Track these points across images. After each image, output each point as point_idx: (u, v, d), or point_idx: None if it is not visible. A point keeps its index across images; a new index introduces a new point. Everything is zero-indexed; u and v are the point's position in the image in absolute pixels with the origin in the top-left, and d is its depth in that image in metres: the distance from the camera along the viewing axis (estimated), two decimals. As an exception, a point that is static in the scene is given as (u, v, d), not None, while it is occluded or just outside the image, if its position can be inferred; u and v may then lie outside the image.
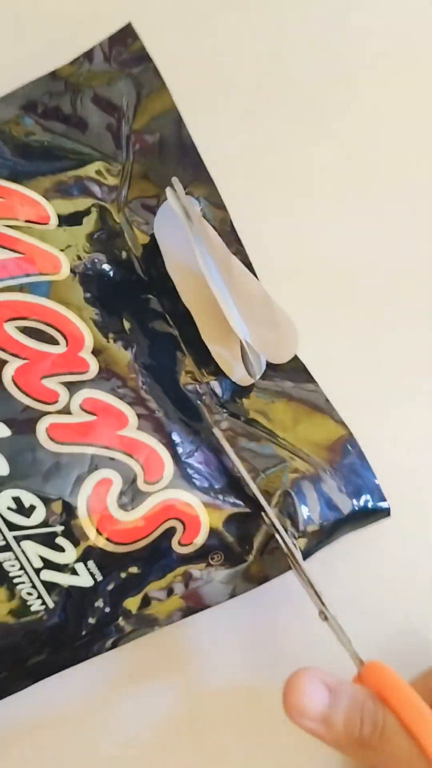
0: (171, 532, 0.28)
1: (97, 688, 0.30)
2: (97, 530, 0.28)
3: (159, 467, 0.29)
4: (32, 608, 0.28)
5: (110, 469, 0.28)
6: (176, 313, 0.33)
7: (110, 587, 0.28)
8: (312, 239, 0.35)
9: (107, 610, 0.28)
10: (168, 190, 0.32)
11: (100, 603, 0.28)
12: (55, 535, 0.27)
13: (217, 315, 0.32)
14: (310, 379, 0.33)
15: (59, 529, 0.27)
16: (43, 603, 0.28)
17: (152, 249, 0.34)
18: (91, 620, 0.28)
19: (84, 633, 0.28)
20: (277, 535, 0.29)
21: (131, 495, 0.28)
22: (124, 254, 0.33)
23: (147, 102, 0.34)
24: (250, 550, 0.29)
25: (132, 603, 0.29)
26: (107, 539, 0.28)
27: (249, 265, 0.33)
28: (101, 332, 0.30)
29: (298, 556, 0.29)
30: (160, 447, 0.29)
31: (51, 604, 0.28)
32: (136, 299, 0.32)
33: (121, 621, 0.29)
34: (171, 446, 0.29)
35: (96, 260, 0.32)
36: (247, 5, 0.38)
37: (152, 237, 0.34)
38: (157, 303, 0.32)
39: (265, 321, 0.31)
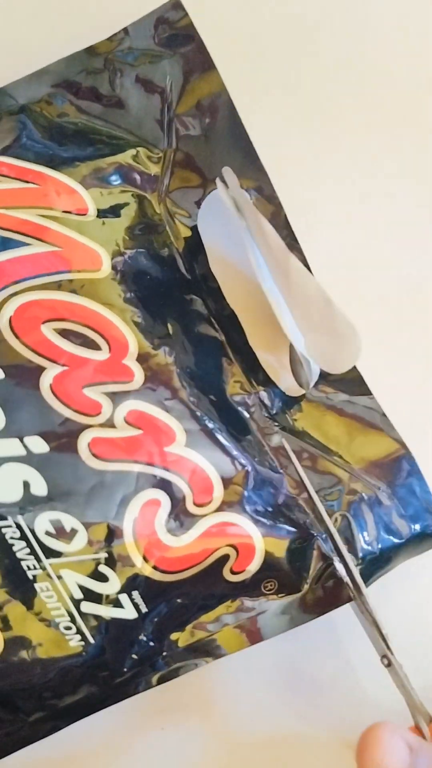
0: (223, 559, 0.25)
1: (123, 727, 0.27)
2: (144, 557, 0.24)
3: (208, 488, 0.25)
4: (71, 644, 0.24)
5: (157, 489, 0.25)
6: (221, 316, 0.29)
7: (156, 619, 0.25)
8: (370, 248, 0.32)
9: (152, 644, 0.25)
10: (218, 181, 0.29)
11: (144, 636, 0.25)
12: (97, 562, 0.24)
13: (266, 318, 0.28)
14: (366, 391, 0.30)
15: (102, 556, 0.24)
16: (83, 639, 0.24)
17: (195, 244, 0.30)
18: (134, 655, 0.25)
19: (126, 669, 0.25)
20: (337, 564, 0.26)
21: (180, 518, 0.25)
22: (165, 250, 0.29)
23: (193, 83, 0.31)
24: (305, 578, 0.26)
25: (179, 636, 0.25)
26: (154, 567, 0.24)
27: (305, 264, 0.29)
28: (145, 337, 0.27)
29: (363, 587, 0.25)
30: (209, 466, 0.26)
31: (91, 640, 0.24)
32: (180, 300, 0.29)
33: (166, 655, 0.25)
34: (221, 465, 0.26)
35: (137, 256, 0.28)
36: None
37: (195, 230, 0.30)
38: (201, 304, 0.29)
39: (323, 326, 0.28)
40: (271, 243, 0.28)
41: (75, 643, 0.24)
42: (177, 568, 0.25)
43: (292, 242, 0.30)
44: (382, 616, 0.25)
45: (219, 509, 0.25)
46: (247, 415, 0.28)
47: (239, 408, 0.28)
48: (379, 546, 0.27)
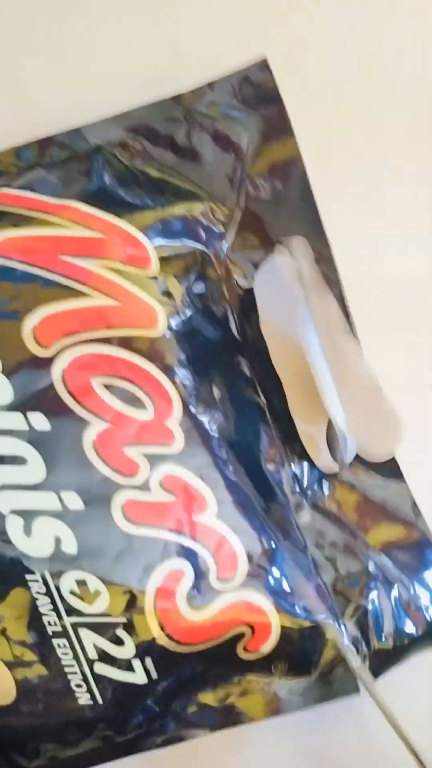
0: (238, 636, 0.25)
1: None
2: (161, 625, 0.25)
3: (233, 563, 0.25)
4: (79, 701, 0.24)
5: (183, 559, 0.25)
6: (266, 381, 0.29)
7: (165, 686, 0.25)
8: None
9: (157, 709, 0.25)
10: (280, 247, 0.29)
11: (150, 701, 0.25)
12: (116, 626, 0.24)
13: (310, 390, 0.28)
14: (398, 476, 0.29)
15: (122, 620, 0.24)
16: (92, 698, 0.24)
17: (248, 305, 0.30)
18: (140, 718, 0.25)
19: (129, 730, 0.25)
20: (349, 655, 0.26)
21: (202, 591, 0.25)
22: (221, 310, 0.29)
23: (270, 147, 0.31)
24: (317, 664, 0.26)
25: (185, 705, 0.25)
26: (170, 637, 0.25)
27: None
28: (190, 400, 0.27)
29: (371, 685, 0.25)
30: (237, 540, 0.26)
31: (99, 700, 0.24)
32: (228, 362, 0.29)
33: (171, 721, 0.25)
34: (248, 540, 0.26)
35: (194, 315, 0.28)
36: (388, 59, 0.34)
37: (250, 292, 0.30)
38: (248, 367, 0.29)
39: (368, 411, 0.28)
40: (330, 320, 0.28)
41: (84, 701, 0.24)
42: (192, 640, 0.25)
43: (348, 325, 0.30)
44: (398, 707, 0.25)
45: (241, 586, 0.25)
46: (279, 488, 0.28)
47: (272, 480, 0.28)
48: (394, 639, 0.27)
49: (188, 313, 0.28)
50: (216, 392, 0.28)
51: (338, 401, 0.28)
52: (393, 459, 0.29)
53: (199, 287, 0.29)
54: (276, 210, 0.31)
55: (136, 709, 0.25)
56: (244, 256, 0.31)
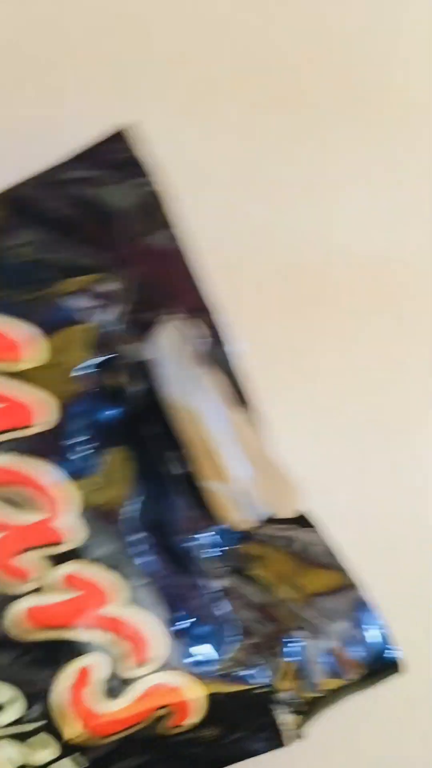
0: (159, 719, 0.25)
1: None
2: (82, 723, 0.25)
3: (147, 647, 0.25)
4: None
5: (94, 654, 0.25)
6: (172, 449, 0.29)
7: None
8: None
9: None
10: (166, 329, 0.28)
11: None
12: (32, 733, 0.24)
13: (212, 453, 0.28)
14: (308, 524, 0.29)
15: (37, 725, 0.24)
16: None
17: (145, 371, 0.30)
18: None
19: None
20: (278, 714, 0.26)
21: (116, 682, 0.25)
22: (116, 384, 0.29)
23: (148, 209, 0.30)
24: (247, 727, 0.26)
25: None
26: (91, 733, 0.25)
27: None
28: (87, 487, 0.26)
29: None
30: (150, 624, 0.26)
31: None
32: (131, 437, 0.28)
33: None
34: (163, 621, 0.26)
35: (89, 399, 0.28)
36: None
37: (146, 362, 0.30)
38: (152, 438, 0.28)
39: (265, 471, 0.27)
40: (221, 391, 0.27)
41: None
42: (111, 731, 0.25)
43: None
44: None
45: (158, 669, 0.25)
46: (197, 557, 0.28)
47: (190, 551, 0.28)
48: (323, 688, 0.27)
49: (83, 397, 0.28)
50: (122, 472, 0.27)
51: (240, 459, 0.27)
52: (301, 513, 0.29)
53: (92, 365, 0.28)
54: (163, 275, 0.30)
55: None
56: (137, 324, 0.30)
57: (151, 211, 0.29)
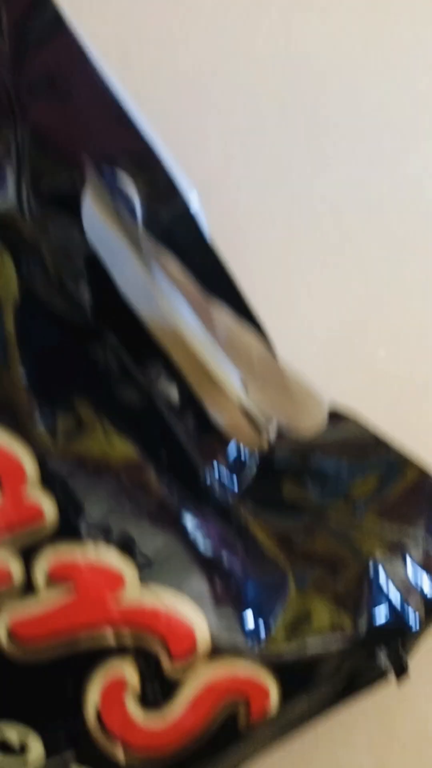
0: (232, 716, 0.18)
1: None
2: (125, 749, 0.18)
3: (187, 633, 0.18)
4: None
5: (118, 661, 0.18)
6: (148, 364, 0.21)
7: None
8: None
9: None
10: (88, 181, 0.19)
11: None
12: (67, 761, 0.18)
13: (198, 358, 0.20)
14: (346, 418, 0.21)
15: (69, 758, 0.18)
16: None
17: (91, 263, 0.21)
18: None
19: None
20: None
21: (157, 687, 0.18)
22: (46, 287, 0.20)
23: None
24: (337, 681, 0.20)
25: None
26: (143, 756, 0.18)
27: (249, 317, 0.19)
28: (47, 441, 0.19)
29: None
30: (180, 600, 0.18)
31: None
32: (84, 357, 0.20)
33: None
34: (196, 589, 0.18)
35: (19, 316, 0.19)
36: None
37: (88, 246, 0.21)
38: (113, 356, 0.20)
39: (273, 390, 0.19)
40: (179, 282, 0.18)
41: None
42: (172, 749, 0.18)
43: (225, 285, 0.20)
44: None
45: (206, 657, 0.18)
46: (221, 495, 0.20)
47: (204, 490, 0.20)
48: (425, 609, 0.20)
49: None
50: (84, 413, 0.19)
51: (233, 373, 0.19)
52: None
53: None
54: (69, 114, 0.20)
55: None
56: (53, 199, 0.21)
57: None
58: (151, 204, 0.20)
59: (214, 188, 0.23)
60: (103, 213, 0.18)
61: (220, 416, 0.20)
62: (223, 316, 0.18)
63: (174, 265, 0.18)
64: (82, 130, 0.20)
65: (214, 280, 0.19)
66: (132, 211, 0.19)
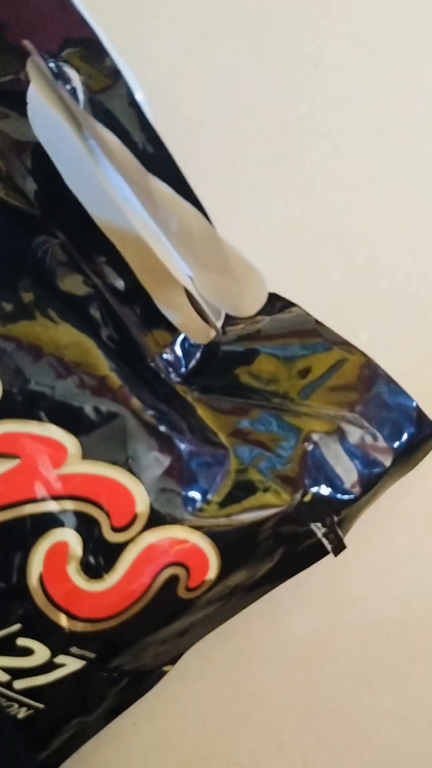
0: (171, 581, 0.19)
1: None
2: (68, 614, 0.19)
3: (127, 502, 0.19)
4: (19, 716, 0.20)
5: (60, 528, 0.19)
6: (92, 254, 0.21)
7: (111, 657, 0.20)
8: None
9: (115, 675, 0.21)
10: (29, 62, 0.19)
11: (103, 674, 0.20)
12: (12, 637, 0.19)
13: (146, 253, 0.20)
14: (287, 304, 0.22)
15: (15, 628, 0.19)
16: (30, 708, 0.20)
17: (37, 157, 0.21)
18: (97, 692, 0.21)
19: (95, 707, 0.21)
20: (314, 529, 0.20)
21: (99, 554, 0.19)
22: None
23: None
24: (270, 557, 0.21)
25: (144, 656, 0.21)
26: (86, 620, 0.19)
27: (187, 191, 0.20)
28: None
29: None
30: (122, 473, 0.19)
31: (40, 705, 0.20)
32: (30, 250, 0.20)
33: (134, 678, 0.21)
34: (138, 464, 0.19)
35: None
36: None
37: (28, 138, 0.21)
38: (60, 247, 0.20)
39: (215, 266, 0.19)
40: (116, 156, 0.18)
41: (23, 714, 0.20)
42: (113, 611, 0.19)
43: (165, 164, 0.20)
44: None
45: (147, 526, 0.19)
46: (166, 378, 0.21)
47: (157, 371, 0.21)
48: (361, 486, 0.21)
49: None
50: (26, 297, 0.20)
51: (180, 259, 0.19)
52: (274, 294, 0.21)
53: None
54: (13, 7, 0.20)
55: (92, 687, 0.20)
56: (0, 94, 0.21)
57: None
58: (95, 90, 0.20)
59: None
60: (46, 97, 0.18)
61: (172, 314, 0.21)
62: (162, 187, 0.19)
63: (113, 141, 0.18)
64: (25, 16, 0.20)
65: (155, 163, 0.19)
66: (74, 95, 0.19)
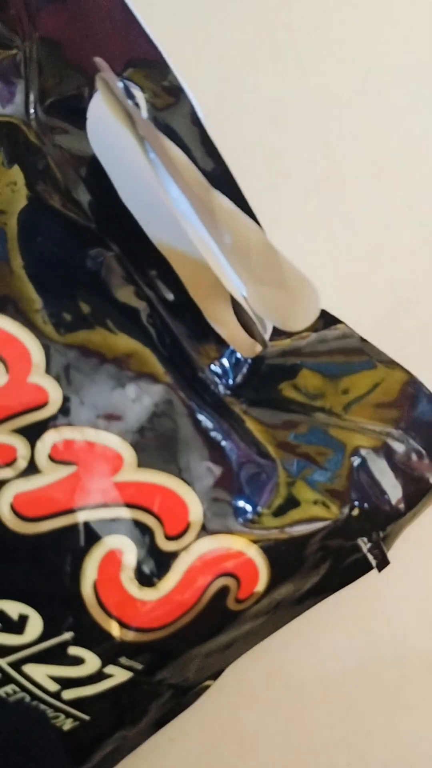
0: (222, 593, 0.19)
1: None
2: (120, 623, 0.19)
3: (181, 510, 0.19)
4: (65, 727, 0.19)
5: (115, 535, 0.19)
6: (147, 268, 0.21)
7: (156, 669, 0.20)
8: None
9: (159, 689, 0.20)
10: (99, 79, 0.19)
11: (146, 687, 0.20)
12: (65, 645, 0.18)
13: (200, 267, 0.20)
14: (333, 321, 0.22)
15: (68, 636, 0.18)
16: (76, 720, 0.19)
17: (93, 172, 0.21)
18: (144, 704, 0.20)
19: (139, 718, 0.21)
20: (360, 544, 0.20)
21: (153, 562, 0.19)
22: (52, 193, 0.21)
23: None
24: (317, 571, 0.21)
25: (188, 671, 0.20)
26: (137, 629, 0.19)
27: (245, 206, 0.20)
28: (52, 333, 0.19)
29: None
30: (175, 481, 0.19)
31: (86, 717, 0.19)
32: (87, 262, 0.21)
33: (177, 691, 0.21)
34: (191, 473, 0.19)
35: (18, 216, 0.20)
36: None
37: (87, 154, 0.21)
38: (115, 260, 0.21)
39: (267, 278, 0.20)
40: (180, 169, 0.19)
41: (69, 725, 0.20)
42: (164, 621, 0.19)
43: (224, 176, 0.20)
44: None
45: (200, 535, 0.19)
46: (216, 390, 0.21)
47: (206, 383, 0.21)
48: (405, 503, 0.21)
49: (12, 215, 0.20)
50: (85, 308, 0.20)
51: (231, 270, 0.19)
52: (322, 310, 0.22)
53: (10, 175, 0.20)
54: (79, 28, 0.21)
55: (136, 700, 0.20)
56: (62, 109, 0.21)
57: None
58: (159, 108, 0.20)
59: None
60: (113, 112, 0.19)
61: (220, 329, 0.21)
62: (224, 201, 0.19)
63: (179, 155, 0.19)
64: (90, 34, 0.20)
65: (214, 179, 0.20)
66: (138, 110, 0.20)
